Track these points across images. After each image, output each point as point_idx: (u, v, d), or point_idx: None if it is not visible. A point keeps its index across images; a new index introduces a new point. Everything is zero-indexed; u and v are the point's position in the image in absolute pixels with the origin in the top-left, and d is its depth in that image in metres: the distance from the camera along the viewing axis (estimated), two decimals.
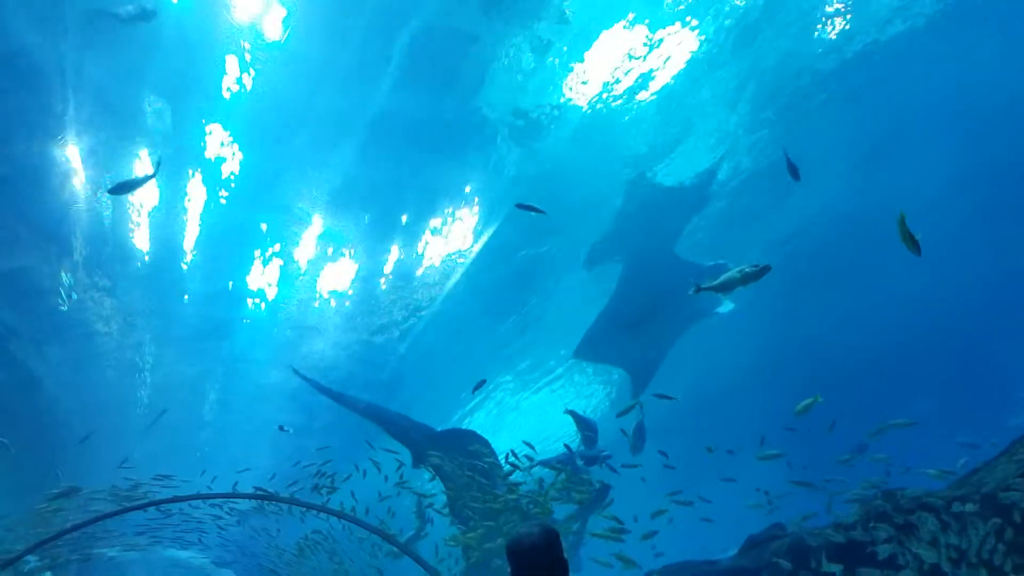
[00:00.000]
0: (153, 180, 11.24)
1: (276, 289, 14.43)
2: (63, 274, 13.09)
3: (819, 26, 11.89)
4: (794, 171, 10.17)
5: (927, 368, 17.78)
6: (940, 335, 17.16)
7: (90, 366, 15.02)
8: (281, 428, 15.67)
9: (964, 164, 14.43)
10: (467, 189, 13.22)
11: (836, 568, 11.22)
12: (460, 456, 15.16)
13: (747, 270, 9.28)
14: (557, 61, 11.49)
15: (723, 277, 9.25)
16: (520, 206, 10.43)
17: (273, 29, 10.48)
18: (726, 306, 16.77)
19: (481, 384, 13.65)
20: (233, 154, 11.89)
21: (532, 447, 14.16)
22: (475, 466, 15.04)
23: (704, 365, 17.52)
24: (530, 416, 17.37)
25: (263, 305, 14.73)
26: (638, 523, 13.51)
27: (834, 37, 12.07)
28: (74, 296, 13.56)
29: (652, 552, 13.86)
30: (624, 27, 11.12)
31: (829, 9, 11.67)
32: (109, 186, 11.12)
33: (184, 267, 13.62)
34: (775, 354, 17.00)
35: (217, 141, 11.67)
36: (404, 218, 13.53)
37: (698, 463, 15.67)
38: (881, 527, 10.88)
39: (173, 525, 19.63)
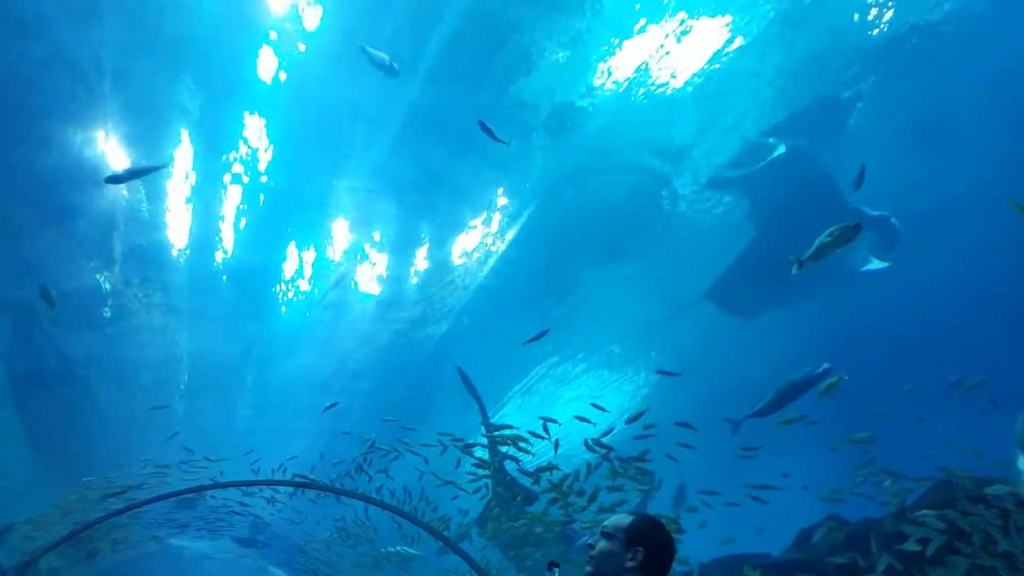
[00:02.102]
0: (161, 170, 11.83)
1: (311, 280, 14.83)
2: (102, 264, 13.53)
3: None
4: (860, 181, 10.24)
5: None
6: None
7: (127, 354, 15.48)
8: (330, 407, 15.96)
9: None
10: (499, 184, 13.49)
11: (890, 559, 11.19)
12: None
13: (836, 231, 9.25)
14: (592, 52, 11.60)
15: (816, 242, 9.24)
16: (482, 127, 10.26)
17: (310, 18, 10.73)
18: (873, 264, 15.97)
19: (543, 334, 13.29)
20: (268, 146, 12.23)
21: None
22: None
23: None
24: (567, 406, 17.33)
25: (297, 295, 15.14)
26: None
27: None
28: (109, 285, 13.97)
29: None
30: (658, 20, 11.21)
31: None
32: (108, 175, 11.50)
33: (220, 257, 14.05)
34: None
35: (254, 132, 12.01)
36: (437, 210, 13.83)
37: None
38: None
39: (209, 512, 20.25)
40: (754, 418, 14.35)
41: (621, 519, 3.75)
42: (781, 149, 14.14)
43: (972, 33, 12.43)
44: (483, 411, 16.53)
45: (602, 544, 3.69)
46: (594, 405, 14.96)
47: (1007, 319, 16.07)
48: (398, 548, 20.06)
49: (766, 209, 14.89)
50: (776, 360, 15.67)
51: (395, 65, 11.06)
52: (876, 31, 12.31)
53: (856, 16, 12.00)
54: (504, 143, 10.40)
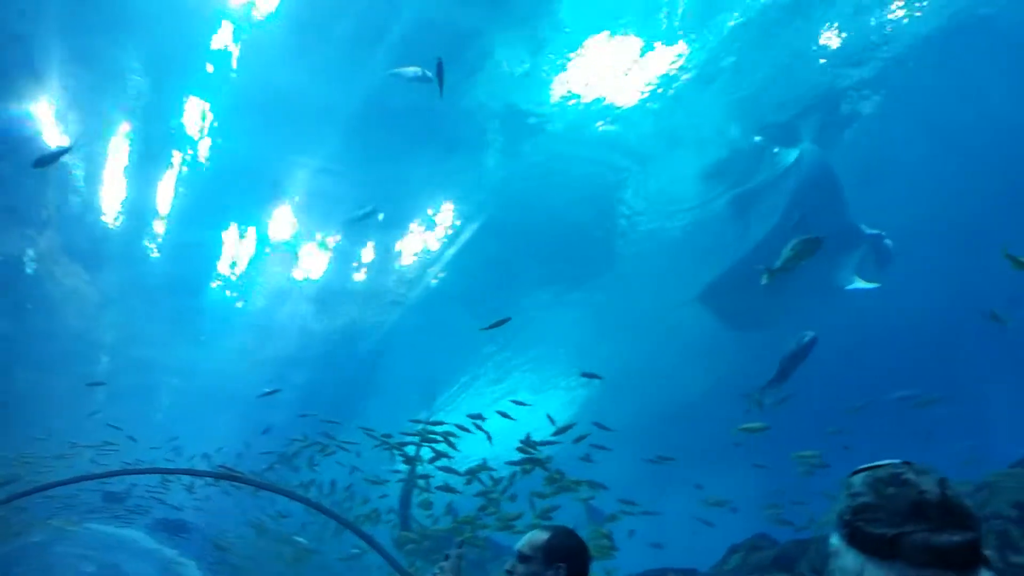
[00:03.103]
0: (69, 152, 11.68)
1: (246, 271, 14.77)
2: (28, 234, 13.11)
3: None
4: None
5: None
6: None
7: (47, 328, 15.14)
8: (269, 393, 15.76)
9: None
10: (449, 186, 13.56)
11: None
12: None
13: (797, 244, 9.48)
14: (551, 63, 11.73)
15: (782, 255, 9.43)
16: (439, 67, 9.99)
17: (264, 4, 10.56)
18: (857, 283, 16.11)
19: (503, 322, 12.89)
20: (211, 130, 12.07)
21: None
22: None
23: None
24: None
25: (232, 281, 15.10)
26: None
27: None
28: (33, 255, 13.53)
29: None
30: (618, 35, 11.41)
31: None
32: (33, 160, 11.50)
33: (154, 241, 13.93)
34: None
35: (196, 115, 11.83)
36: (383, 208, 13.80)
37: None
38: None
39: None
40: (767, 391, 14.45)
41: (536, 537, 3.69)
42: (794, 154, 14.30)
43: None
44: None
45: (521, 569, 3.63)
46: (515, 402, 15.25)
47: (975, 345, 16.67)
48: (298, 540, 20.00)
49: (775, 215, 14.98)
50: (724, 375, 16.15)
51: (428, 73, 10.85)
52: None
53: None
54: (439, 91, 10.19)
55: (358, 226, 13.82)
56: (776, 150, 14.13)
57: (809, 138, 14.15)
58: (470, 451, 16.12)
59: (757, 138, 14.01)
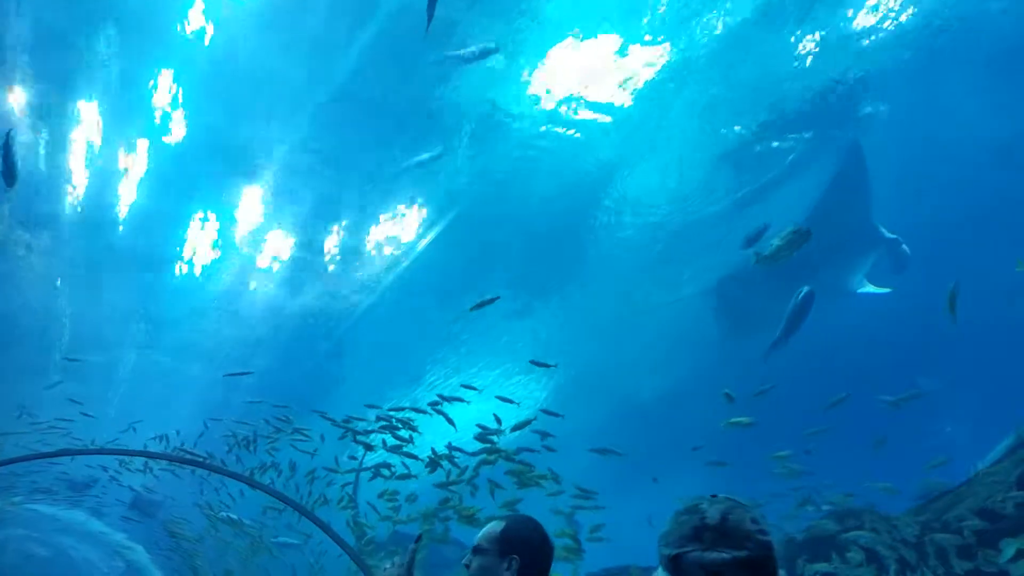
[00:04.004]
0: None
1: (211, 253, 14.68)
2: None
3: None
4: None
5: None
6: None
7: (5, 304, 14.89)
8: (238, 374, 15.68)
9: None
10: (419, 178, 13.58)
11: None
12: None
13: (785, 235, 9.65)
14: (528, 59, 11.79)
15: (772, 245, 9.56)
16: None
17: None
18: (868, 287, 16.19)
19: (491, 301, 12.98)
20: (181, 106, 11.97)
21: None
22: None
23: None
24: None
25: (196, 268, 15.04)
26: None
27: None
28: None
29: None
30: (597, 35, 11.49)
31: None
32: None
33: (119, 218, 13.78)
34: None
35: (167, 92, 11.70)
36: (352, 198, 13.86)
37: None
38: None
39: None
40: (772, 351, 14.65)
41: (492, 529, 3.62)
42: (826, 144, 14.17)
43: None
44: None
45: (475, 562, 3.56)
46: (465, 386, 15.52)
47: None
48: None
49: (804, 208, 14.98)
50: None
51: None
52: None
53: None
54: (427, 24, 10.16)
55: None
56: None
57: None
58: (436, 440, 16.19)
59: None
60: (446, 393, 16.47)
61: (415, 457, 16.27)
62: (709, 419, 15.45)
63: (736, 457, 15.14)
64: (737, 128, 13.29)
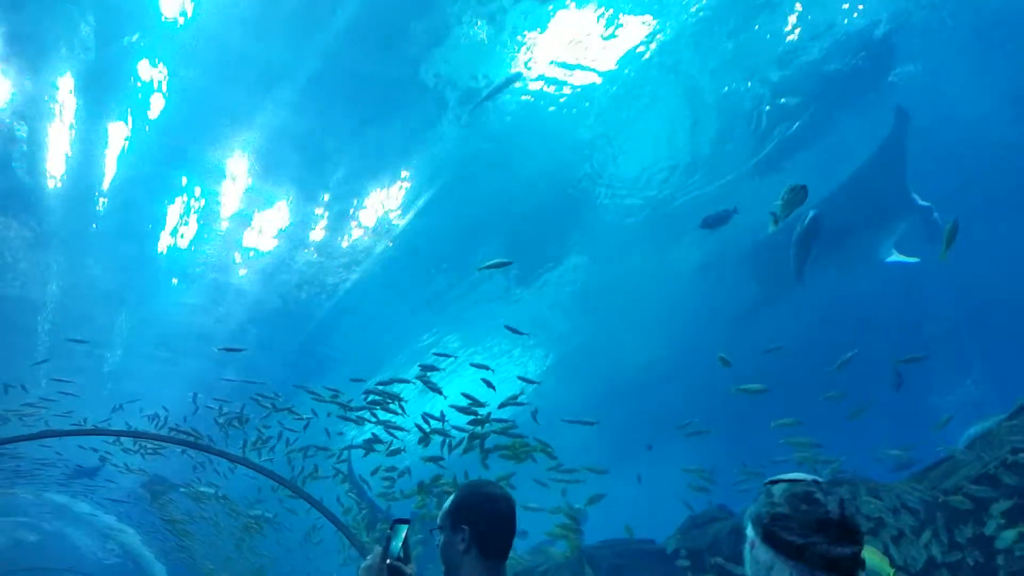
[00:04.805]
0: None
1: (195, 235, 14.70)
2: None
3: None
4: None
5: None
6: None
7: None
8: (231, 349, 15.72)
9: None
10: (405, 154, 13.60)
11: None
12: None
13: (785, 193, 9.87)
14: (512, 35, 11.79)
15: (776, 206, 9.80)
16: None
17: None
18: (896, 256, 16.33)
19: (503, 264, 12.87)
20: (163, 86, 11.88)
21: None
22: None
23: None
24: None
25: (181, 244, 14.96)
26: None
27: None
28: None
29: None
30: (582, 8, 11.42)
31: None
32: None
33: (103, 196, 13.69)
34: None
35: (148, 68, 11.60)
36: (337, 177, 13.85)
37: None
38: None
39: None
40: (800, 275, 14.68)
41: (445, 504, 3.50)
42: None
43: None
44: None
45: (438, 539, 3.45)
46: (438, 354, 15.55)
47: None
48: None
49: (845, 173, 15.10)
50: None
51: None
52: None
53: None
54: None
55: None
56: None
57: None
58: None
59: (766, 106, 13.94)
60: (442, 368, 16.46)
61: (403, 429, 16.30)
62: (703, 390, 15.58)
63: (734, 425, 15.29)
64: (748, 84, 13.19)
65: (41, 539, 24.53)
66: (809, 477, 2.39)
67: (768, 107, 13.82)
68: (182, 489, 20.63)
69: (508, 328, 14.56)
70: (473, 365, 15.68)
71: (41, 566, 25.40)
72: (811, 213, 13.61)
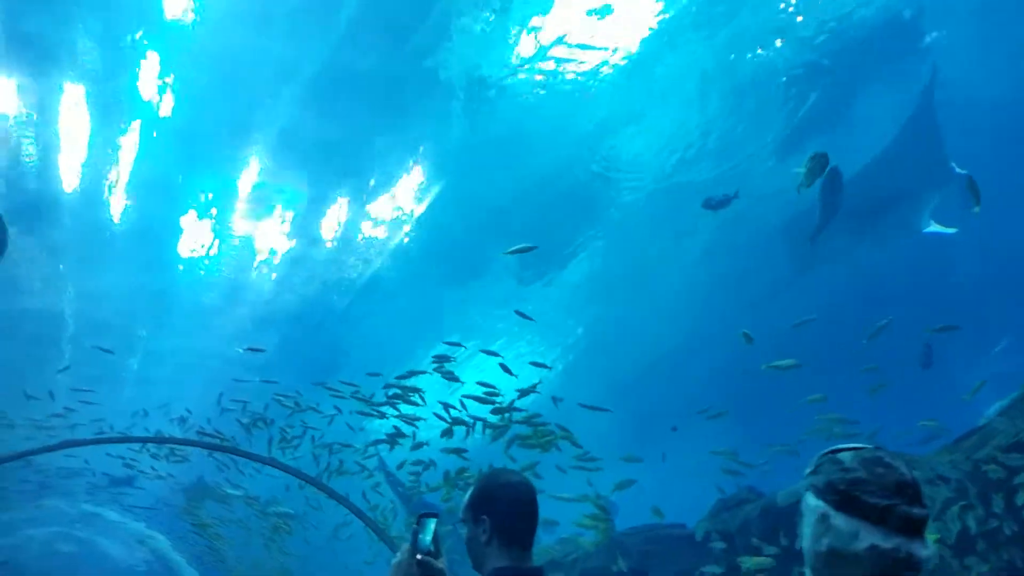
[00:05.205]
0: None
1: (210, 237, 14.81)
2: None
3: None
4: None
5: None
6: None
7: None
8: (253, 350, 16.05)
9: None
10: (415, 148, 13.60)
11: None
12: None
13: (807, 161, 9.87)
14: (518, 21, 11.75)
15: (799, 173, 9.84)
16: None
17: None
18: (934, 227, 16.03)
19: (529, 249, 12.70)
20: (171, 90, 11.96)
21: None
22: None
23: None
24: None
25: (196, 252, 15.16)
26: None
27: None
28: None
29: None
30: None
31: None
32: None
33: (114, 203, 13.84)
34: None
35: (154, 75, 11.68)
36: (349, 173, 13.91)
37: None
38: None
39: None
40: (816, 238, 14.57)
41: (467, 494, 3.45)
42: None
43: None
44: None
45: (465, 533, 3.40)
46: (449, 343, 15.44)
47: None
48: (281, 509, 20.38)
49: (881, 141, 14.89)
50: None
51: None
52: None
53: None
54: None
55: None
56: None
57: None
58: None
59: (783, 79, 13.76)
60: (457, 359, 16.48)
61: (421, 419, 16.36)
62: (725, 372, 15.48)
63: (754, 406, 15.20)
64: (760, 51, 13.05)
65: (75, 549, 24.83)
66: (869, 445, 2.37)
67: (788, 77, 13.65)
68: (218, 492, 20.83)
69: (518, 313, 14.55)
70: (484, 352, 15.69)
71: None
72: (829, 166, 13.33)
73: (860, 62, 13.71)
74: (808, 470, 2.40)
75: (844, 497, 2.24)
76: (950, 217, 15.94)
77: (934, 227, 16.27)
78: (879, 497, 2.20)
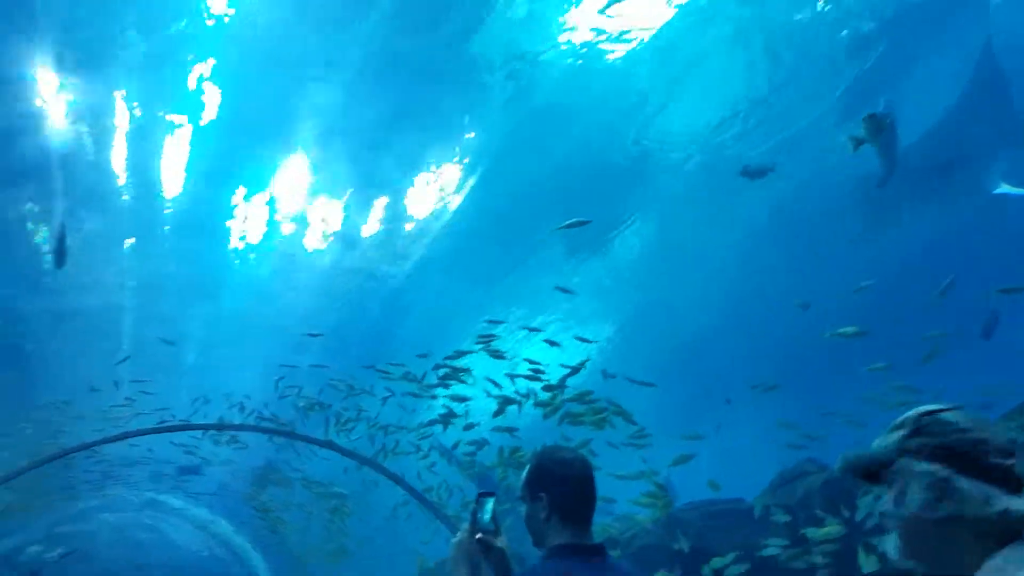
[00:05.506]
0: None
1: (260, 225, 15.09)
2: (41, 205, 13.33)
3: None
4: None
5: None
6: None
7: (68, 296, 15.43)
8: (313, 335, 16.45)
9: None
10: (458, 127, 13.64)
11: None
12: None
13: (864, 119, 9.69)
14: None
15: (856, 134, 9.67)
16: None
17: None
18: (1004, 188, 15.43)
19: (582, 223, 12.51)
20: (215, 82, 12.17)
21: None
22: None
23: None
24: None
25: (248, 250, 15.61)
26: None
27: None
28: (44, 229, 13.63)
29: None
30: None
31: None
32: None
33: (167, 195, 14.13)
34: None
35: (200, 68, 11.90)
36: (393, 157, 14.00)
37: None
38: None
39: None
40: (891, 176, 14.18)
41: (523, 472, 3.47)
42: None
43: None
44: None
45: (524, 511, 3.41)
46: (491, 321, 15.67)
47: None
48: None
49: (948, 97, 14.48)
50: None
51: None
52: None
53: None
54: None
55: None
56: None
57: None
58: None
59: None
60: (506, 336, 16.53)
61: (469, 399, 16.47)
62: (779, 342, 15.25)
63: (808, 376, 14.96)
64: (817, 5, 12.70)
65: (142, 536, 25.60)
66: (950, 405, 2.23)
67: (847, 32, 13.21)
68: (279, 476, 21.27)
69: (559, 289, 14.49)
70: (526, 328, 15.69)
71: (150, 563, 26.61)
72: (883, 103, 12.86)
73: (922, 17, 13.22)
74: (901, 433, 2.23)
75: (967, 459, 2.08)
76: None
77: (1005, 188, 15.64)
78: (1002, 457, 2.07)
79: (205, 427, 18.25)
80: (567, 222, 12.18)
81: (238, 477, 22.06)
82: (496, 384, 15.66)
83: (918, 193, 14.84)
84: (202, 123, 12.78)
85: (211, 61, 11.82)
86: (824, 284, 15.01)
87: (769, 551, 12.22)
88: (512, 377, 15.61)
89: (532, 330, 15.64)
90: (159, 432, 17.59)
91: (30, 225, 14.21)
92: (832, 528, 11.51)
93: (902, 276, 14.70)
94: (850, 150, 10.62)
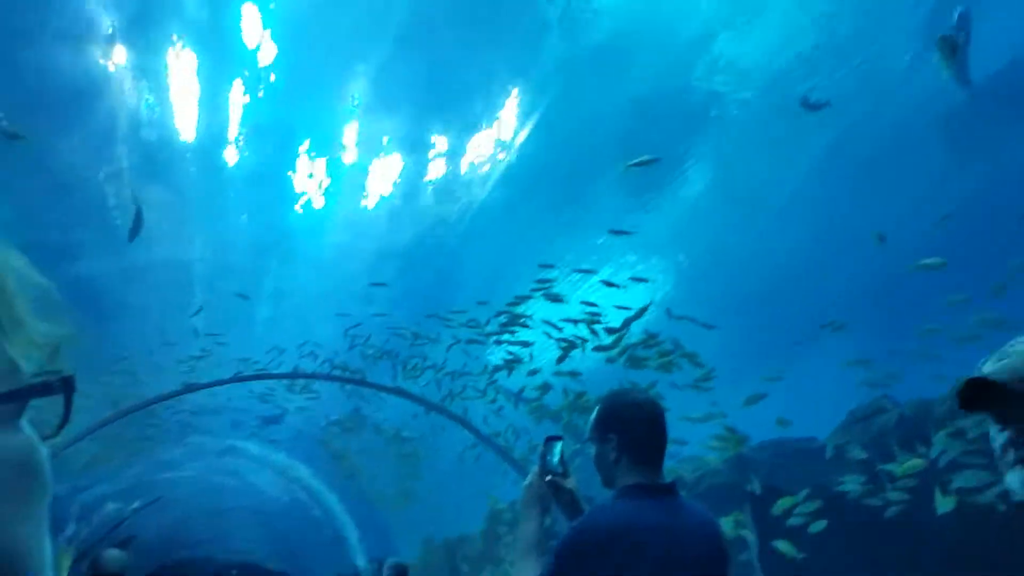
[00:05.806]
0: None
1: (324, 180, 15.30)
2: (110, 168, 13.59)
3: None
4: None
5: None
6: None
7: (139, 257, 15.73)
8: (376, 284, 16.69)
9: None
10: (514, 71, 13.46)
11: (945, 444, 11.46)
12: None
13: (938, 38, 9.48)
14: None
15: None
16: None
17: None
18: None
19: (652, 161, 12.69)
20: (270, 43, 12.37)
21: None
22: None
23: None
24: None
25: (313, 202, 15.74)
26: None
27: None
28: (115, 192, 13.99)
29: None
30: None
31: None
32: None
33: (229, 156, 14.46)
34: None
35: (253, 28, 12.07)
36: (450, 104, 13.99)
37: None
38: None
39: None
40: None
41: (593, 414, 3.48)
42: None
43: None
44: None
45: (592, 452, 3.44)
46: (544, 265, 15.69)
47: None
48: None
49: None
50: None
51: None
52: None
53: None
54: None
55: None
56: None
57: None
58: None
59: None
60: (563, 283, 16.52)
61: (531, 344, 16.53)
62: (852, 278, 14.86)
63: (882, 313, 14.57)
64: None
65: (225, 481, 26.58)
66: None
67: None
68: (352, 422, 21.84)
69: (614, 232, 14.38)
70: (578, 271, 15.63)
71: (232, 507, 27.75)
72: (958, 11, 12.27)
73: None
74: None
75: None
76: None
77: None
78: None
79: (280, 376, 18.82)
80: (635, 160, 11.98)
81: (313, 424, 22.68)
82: (557, 327, 15.68)
83: (1005, 122, 14.11)
84: (258, 74, 12.90)
85: (266, 16, 11.90)
86: (898, 218, 14.50)
87: (846, 487, 12.11)
88: (575, 322, 15.63)
89: (586, 272, 15.57)
90: (238, 381, 18.19)
91: (105, 186, 14.60)
92: (914, 462, 11.31)
93: (975, 207, 14.08)
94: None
